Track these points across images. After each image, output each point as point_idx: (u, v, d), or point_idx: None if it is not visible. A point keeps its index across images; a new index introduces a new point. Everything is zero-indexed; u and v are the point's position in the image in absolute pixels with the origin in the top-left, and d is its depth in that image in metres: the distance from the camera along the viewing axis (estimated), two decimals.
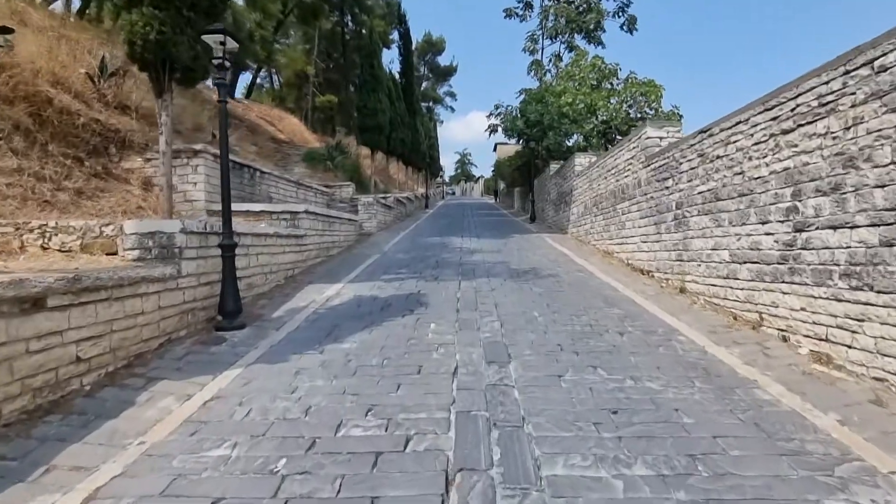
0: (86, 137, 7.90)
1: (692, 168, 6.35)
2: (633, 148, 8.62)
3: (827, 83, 3.94)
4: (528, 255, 10.32)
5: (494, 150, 56.17)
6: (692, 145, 6.35)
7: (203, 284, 5.24)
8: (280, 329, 5.29)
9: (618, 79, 20.12)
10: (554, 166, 17.22)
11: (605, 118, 18.11)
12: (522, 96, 19.30)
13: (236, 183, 9.68)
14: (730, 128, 5.45)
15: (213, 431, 3.02)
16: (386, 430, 2.97)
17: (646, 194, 7.97)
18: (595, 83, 19.59)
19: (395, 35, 40.82)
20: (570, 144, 18.69)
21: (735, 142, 5.34)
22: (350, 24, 40.99)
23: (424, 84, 66.75)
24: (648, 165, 7.88)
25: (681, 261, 6.65)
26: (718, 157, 5.68)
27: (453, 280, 7.70)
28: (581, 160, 13.27)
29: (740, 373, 3.86)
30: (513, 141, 25.42)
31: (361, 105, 20.65)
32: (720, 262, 5.62)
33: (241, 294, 6.05)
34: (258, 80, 45.29)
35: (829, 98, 3.91)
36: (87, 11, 18.78)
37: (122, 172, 8.28)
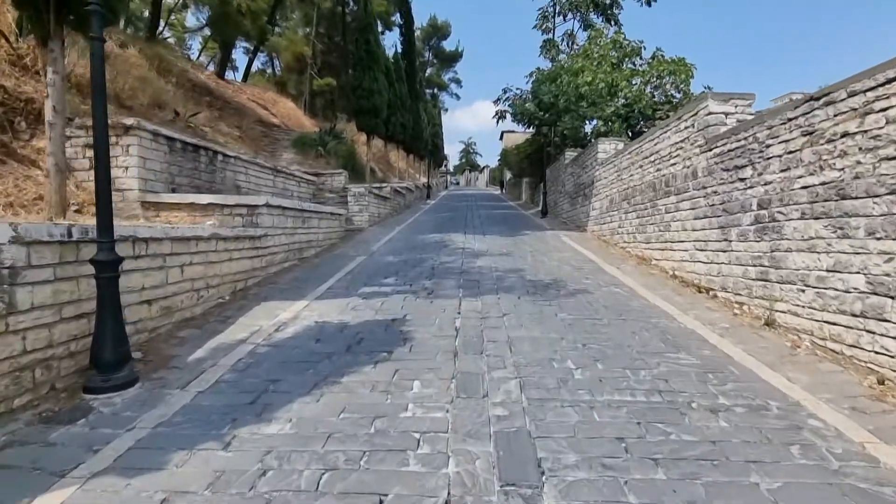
0: None
1: (790, 152, 4.48)
2: (686, 128, 6.74)
3: None
4: (546, 260, 8.49)
5: (501, 138, 54.08)
6: (791, 119, 4.47)
7: (71, 319, 3.45)
8: (187, 387, 3.51)
9: (641, 59, 18.11)
10: (570, 154, 15.32)
11: (627, 101, 16.13)
12: (533, 77, 17.31)
13: (188, 168, 7.88)
14: (871, 89, 3.58)
15: None
16: None
17: (705, 188, 6.11)
18: (615, 62, 17.58)
19: (397, 17, 38.79)
20: (587, 130, 16.77)
21: (885, 109, 3.47)
22: (351, 3, 39.01)
23: (429, 70, 64.72)
24: (710, 150, 6.00)
25: (766, 281, 4.81)
26: (846, 134, 3.81)
27: (452, 297, 5.90)
28: (605, 146, 11.37)
29: None
30: (521, 128, 23.51)
31: (356, 85, 18.72)
32: (846, 291, 3.78)
33: (156, 322, 4.31)
34: (261, 66, 43.67)
35: None
36: None
37: (31, 153, 6.48)
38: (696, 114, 6.44)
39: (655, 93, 16.66)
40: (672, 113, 15.99)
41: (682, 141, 6.85)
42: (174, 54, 23.08)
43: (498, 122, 22.06)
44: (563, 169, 15.66)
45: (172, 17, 31.16)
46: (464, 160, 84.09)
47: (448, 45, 65.07)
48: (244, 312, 5.28)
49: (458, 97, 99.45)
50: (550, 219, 16.50)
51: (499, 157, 46.66)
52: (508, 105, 20.45)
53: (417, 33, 55.51)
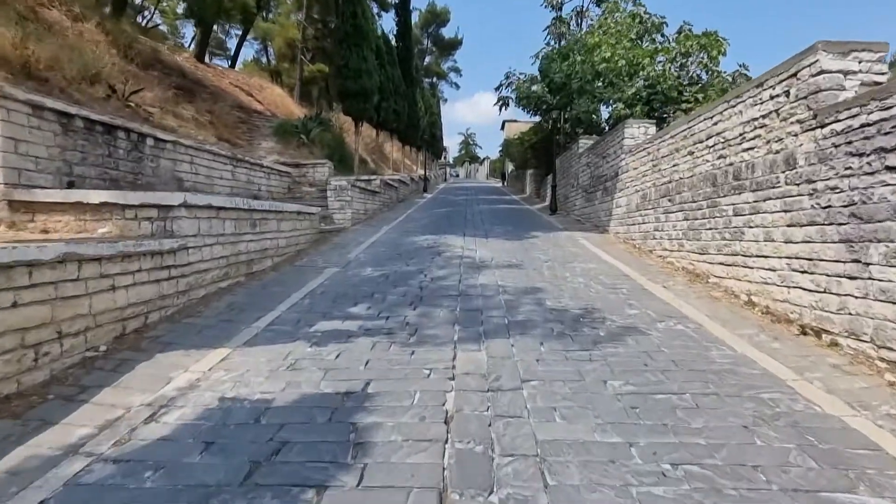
0: None
1: None
2: (773, 98, 4.81)
3: None
4: (567, 275, 6.59)
5: (502, 128, 52.05)
6: None
7: None
8: None
9: (663, 35, 16.14)
10: (584, 142, 13.37)
11: (648, 81, 14.12)
12: (542, 54, 15.32)
13: (97, 155, 5.97)
14: None
15: None
16: None
17: (811, 181, 4.21)
18: (634, 38, 15.58)
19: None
20: (604, 115, 14.83)
21: None
22: None
23: (427, 58, 62.82)
24: (824, 125, 4.09)
25: None
26: None
27: (444, 343, 4.02)
28: (633, 131, 9.44)
29: None
30: (525, 117, 21.64)
31: (342, 64, 16.70)
32: None
33: None
34: (256, 56, 42.35)
35: None
36: None
37: None
38: (792, 76, 4.51)
39: (680, 73, 14.73)
40: (701, 96, 14.06)
41: (764, 116, 4.94)
42: (145, 33, 21.16)
43: (500, 109, 20.11)
44: (577, 159, 13.73)
45: (164, 5, 29.21)
46: (463, 152, 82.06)
47: (447, 33, 63.09)
48: (118, 377, 3.38)
49: (457, 86, 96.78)
50: (561, 216, 14.57)
51: (500, 148, 44.65)
52: (512, 91, 18.51)
53: (415, 19, 53.33)
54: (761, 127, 4.98)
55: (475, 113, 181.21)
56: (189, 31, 35.65)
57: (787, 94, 4.59)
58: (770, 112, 4.83)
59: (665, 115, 13.87)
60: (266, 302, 5.25)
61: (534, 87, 17.38)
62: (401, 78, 24.66)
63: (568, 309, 4.99)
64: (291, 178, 12.68)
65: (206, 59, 31.93)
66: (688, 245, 6.56)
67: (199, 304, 5.04)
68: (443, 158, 63.10)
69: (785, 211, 4.55)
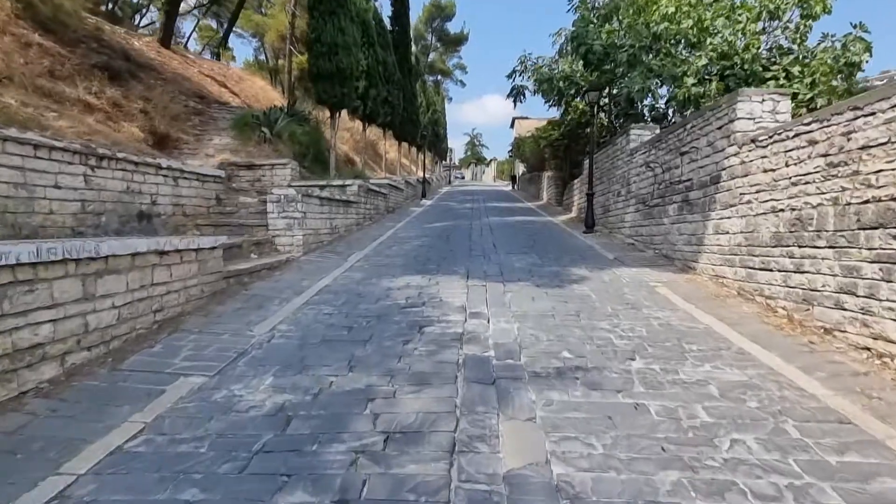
0: None
1: None
2: None
3: None
4: (709, 421, 2.77)
5: (512, 126, 48.32)
6: None
7: None
8: None
9: None
10: (638, 134, 9.56)
11: (719, 52, 10.28)
12: (577, 15, 11.52)
13: None
14: None
15: None
16: None
17: None
18: None
19: None
20: (664, 99, 11.00)
21: None
22: None
23: (432, 55, 59.78)
24: None
25: None
26: None
27: None
28: (755, 107, 5.62)
29: None
30: (538, 113, 17.74)
31: (314, 38, 13.04)
32: None
33: None
34: (255, 54, 40.08)
35: None
36: None
37: None
38: None
39: (762, 37, 10.93)
40: (797, 70, 10.24)
41: None
42: (111, 19, 17.87)
43: (515, 102, 16.27)
44: (625, 158, 9.92)
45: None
46: (469, 153, 78.39)
47: (453, 28, 60.02)
48: None
49: (463, 84, 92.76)
50: (602, 236, 10.73)
51: (510, 148, 40.81)
52: (528, 77, 14.70)
53: (419, 12, 49.89)
54: None
55: (485, 115, 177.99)
56: (188, 27, 33.54)
57: None
58: None
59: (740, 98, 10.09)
60: None
61: (557, 68, 13.63)
62: (395, 65, 20.99)
63: None
64: (225, 184, 9.01)
65: (203, 50, 28.52)
66: None
67: None
68: (448, 159, 59.54)
69: None
